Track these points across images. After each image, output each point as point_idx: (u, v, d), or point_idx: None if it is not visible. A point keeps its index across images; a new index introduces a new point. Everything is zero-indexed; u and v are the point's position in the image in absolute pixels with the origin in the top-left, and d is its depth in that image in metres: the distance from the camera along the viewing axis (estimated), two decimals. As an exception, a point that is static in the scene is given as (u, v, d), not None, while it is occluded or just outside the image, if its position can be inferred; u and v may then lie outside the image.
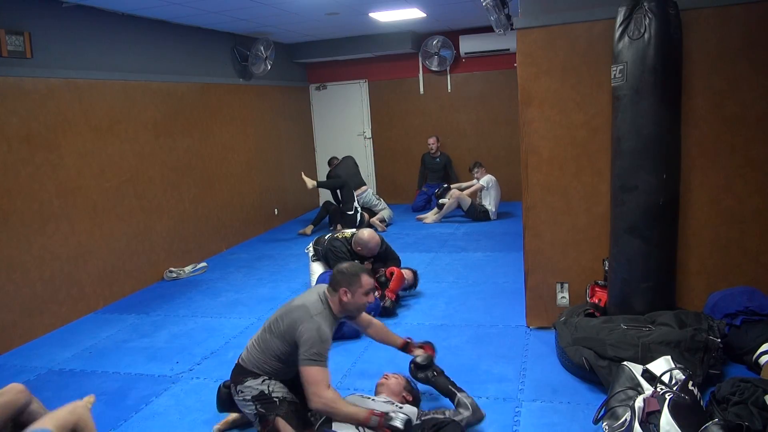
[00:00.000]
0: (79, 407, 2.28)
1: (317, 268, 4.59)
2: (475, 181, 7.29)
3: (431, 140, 7.96)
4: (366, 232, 4.47)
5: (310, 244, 4.79)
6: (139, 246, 5.23)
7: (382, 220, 7.10)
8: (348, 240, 4.49)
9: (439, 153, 8.02)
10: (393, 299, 4.21)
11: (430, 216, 7.32)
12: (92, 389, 3.33)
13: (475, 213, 7.12)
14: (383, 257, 4.53)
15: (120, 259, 5.02)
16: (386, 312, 4.14)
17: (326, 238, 4.64)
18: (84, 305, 4.63)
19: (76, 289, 4.57)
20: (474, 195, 7.19)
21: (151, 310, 4.67)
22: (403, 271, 4.52)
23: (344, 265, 2.68)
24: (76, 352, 3.92)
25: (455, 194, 7.13)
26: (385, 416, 2.37)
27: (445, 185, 7.52)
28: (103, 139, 4.84)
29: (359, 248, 4.41)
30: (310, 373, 2.41)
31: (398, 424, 2.34)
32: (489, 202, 7.11)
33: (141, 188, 5.27)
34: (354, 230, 4.63)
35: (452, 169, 8.05)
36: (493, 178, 7.14)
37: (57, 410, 2.26)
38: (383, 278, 4.31)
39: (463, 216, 7.25)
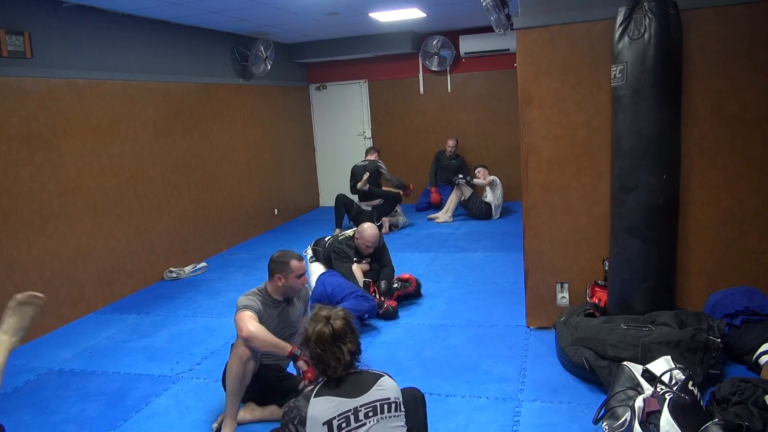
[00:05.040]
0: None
1: (316, 269, 4.59)
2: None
3: (451, 142, 7.87)
4: (367, 224, 4.54)
5: (309, 247, 4.80)
6: (139, 246, 5.23)
7: (395, 225, 7.07)
8: (350, 237, 4.55)
9: (455, 155, 7.95)
10: (395, 305, 4.22)
11: (441, 215, 7.32)
12: (92, 389, 3.35)
13: (476, 209, 7.11)
14: (378, 256, 4.55)
15: (120, 259, 5.01)
16: (388, 315, 4.14)
17: (327, 240, 4.67)
18: (84, 305, 4.63)
19: (76, 289, 4.56)
20: (482, 188, 7.20)
21: (151, 310, 4.67)
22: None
23: (275, 255, 2.91)
24: (76, 352, 3.92)
25: (483, 178, 7.10)
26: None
27: (461, 176, 7.35)
28: (103, 139, 4.84)
29: (357, 237, 4.46)
30: (237, 316, 2.71)
31: None
32: (493, 198, 7.11)
33: (141, 188, 5.26)
34: (355, 229, 4.66)
35: (466, 171, 8.01)
36: (497, 178, 7.16)
37: None
38: (395, 284, 4.38)
39: (463, 210, 7.23)
